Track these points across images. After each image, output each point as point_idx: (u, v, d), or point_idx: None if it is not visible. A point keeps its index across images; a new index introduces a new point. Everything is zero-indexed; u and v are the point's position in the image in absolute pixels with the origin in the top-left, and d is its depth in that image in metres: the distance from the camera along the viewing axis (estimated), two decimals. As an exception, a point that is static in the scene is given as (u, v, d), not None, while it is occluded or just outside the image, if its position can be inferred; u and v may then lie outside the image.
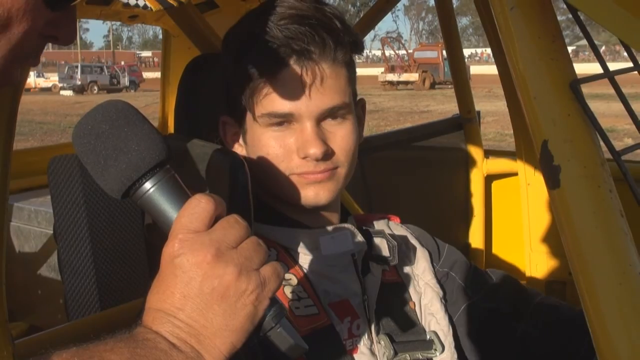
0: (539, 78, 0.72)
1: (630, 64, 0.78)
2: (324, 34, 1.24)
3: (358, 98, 1.39)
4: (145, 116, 0.89)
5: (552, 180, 0.71)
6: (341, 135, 1.28)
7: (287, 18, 1.23)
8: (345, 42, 1.27)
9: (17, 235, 3.05)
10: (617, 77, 0.78)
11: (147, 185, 0.86)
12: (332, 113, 1.26)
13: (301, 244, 1.29)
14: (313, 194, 1.27)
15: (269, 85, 1.25)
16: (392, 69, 39.84)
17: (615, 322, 0.67)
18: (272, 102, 1.25)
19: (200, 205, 0.84)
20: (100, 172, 0.86)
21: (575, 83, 0.70)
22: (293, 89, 1.23)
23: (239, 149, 1.35)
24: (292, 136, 1.26)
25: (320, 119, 1.26)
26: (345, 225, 1.34)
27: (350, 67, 1.31)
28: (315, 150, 1.23)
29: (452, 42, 2.74)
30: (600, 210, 0.70)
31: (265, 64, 1.24)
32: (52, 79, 46.84)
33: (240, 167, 1.21)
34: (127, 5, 0.81)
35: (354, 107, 1.33)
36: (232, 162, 1.22)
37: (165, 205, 0.87)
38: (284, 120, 1.26)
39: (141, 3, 0.82)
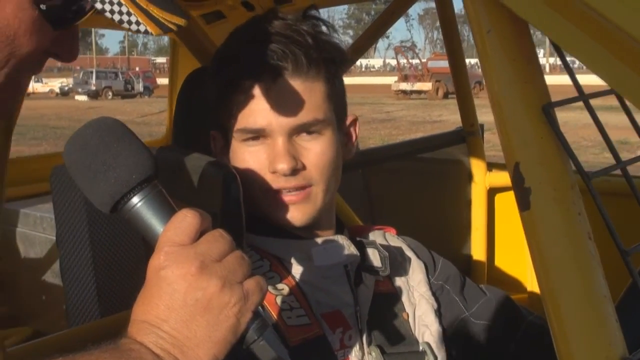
0: (513, 100, 0.73)
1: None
2: (296, 51, 1.26)
3: (351, 116, 1.41)
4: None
5: (523, 202, 0.72)
6: (315, 152, 1.29)
7: (260, 36, 1.27)
8: (318, 59, 1.28)
9: (22, 241, 3.08)
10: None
11: (135, 200, 0.88)
12: (305, 128, 1.28)
13: (294, 255, 1.30)
14: (287, 215, 1.29)
15: (243, 101, 1.28)
16: (405, 78, 39.74)
17: (579, 342, 0.68)
18: (245, 117, 1.28)
19: (186, 219, 0.86)
20: (89, 186, 0.87)
21: (548, 106, 0.71)
22: (265, 105, 1.26)
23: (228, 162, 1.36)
24: (265, 151, 1.28)
25: (292, 134, 1.27)
26: (337, 236, 1.34)
27: (331, 83, 1.32)
28: (283, 165, 1.25)
29: (455, 55, 2.74)
30: (569, 232, 0.71)
31: (239, 80, 1.27)
32: (49, 84, 47.56)
33: (232, 180, 1.23)
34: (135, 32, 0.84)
35: (335, 123, 1.33)
36: (224, 175, 1.23)
37: (152, 219, 0.88)
38: (257, 135, 1.28)
39: (142, 28, 0.85)
